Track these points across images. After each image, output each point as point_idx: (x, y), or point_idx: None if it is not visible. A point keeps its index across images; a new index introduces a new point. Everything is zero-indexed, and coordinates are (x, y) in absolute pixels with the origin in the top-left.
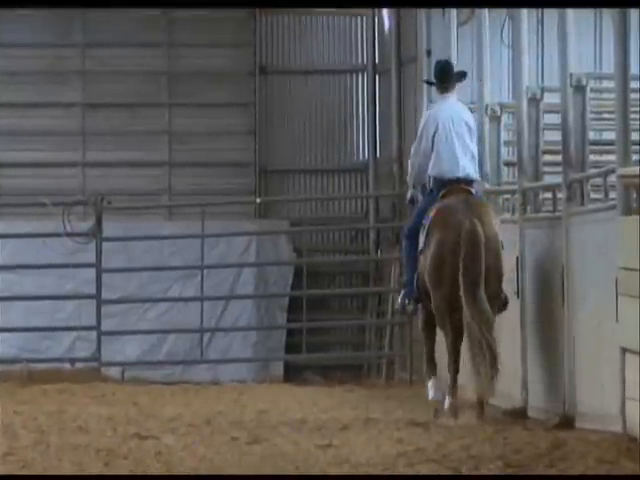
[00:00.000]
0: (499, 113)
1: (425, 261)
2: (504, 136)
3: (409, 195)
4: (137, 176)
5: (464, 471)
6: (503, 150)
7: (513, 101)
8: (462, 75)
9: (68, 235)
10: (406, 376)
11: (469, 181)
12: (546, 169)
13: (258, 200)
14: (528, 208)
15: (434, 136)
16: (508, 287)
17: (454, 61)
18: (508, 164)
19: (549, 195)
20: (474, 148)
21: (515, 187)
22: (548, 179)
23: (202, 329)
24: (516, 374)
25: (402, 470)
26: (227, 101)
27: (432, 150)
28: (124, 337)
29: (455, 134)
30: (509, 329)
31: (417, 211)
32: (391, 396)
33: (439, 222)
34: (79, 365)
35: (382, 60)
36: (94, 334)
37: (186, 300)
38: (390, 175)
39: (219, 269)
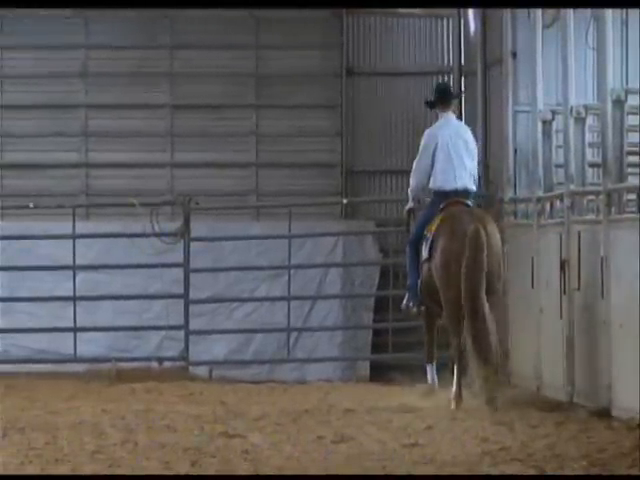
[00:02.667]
0: (584, 115)
1: (431, 269)
2: (589, 138)
3: (407, 207)
4: (224, 177)
5: (548, 470)
6: (588, 152)
7: (598, 103)
8: (457, 96)
9: (156, 235)
10: None
11: (467, 193)
12: (630, 170)
13: (344, 201)
14: (612, 209)
15: (434, 153)
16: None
17: (539, 63)
18: (593, 165)
19: (633, 197)
20: (472, 166)
21: (600, 188)
22: (632, 180)
23: (289, 329)
24: (601, 374)
25: (486, 469)
26: (314, 102)
27: (432, 166)
28: (212, 336)
29: (453, 151)
30: (593, 330)
31: (419, 222)
32: (476, 395)
33: (445, 231)
34: (167, 364)
35: (468, 62)
36: (182, 333)
37: (273, 300)
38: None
39: (306, 269)
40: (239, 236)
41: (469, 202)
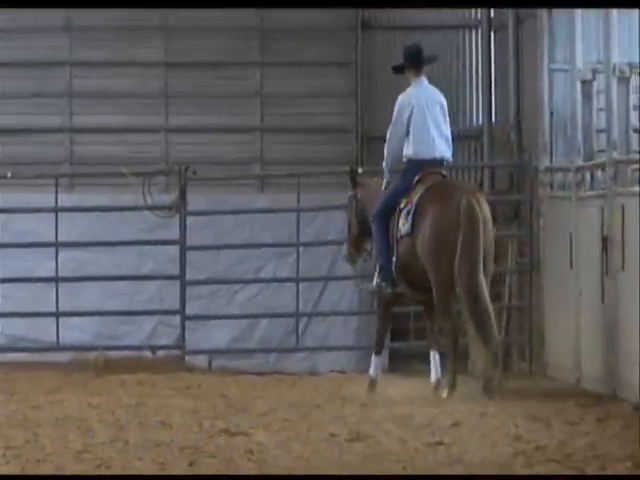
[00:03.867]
0: (628, 74)
1: (414, 245)
2: (633, 100)
3: (386, 182)
4: (225, 143)
5: (588, 472)
6: (632, 115)
7: None
8: (433, 59)
9: (149, 209)
10: (525, 366)
11: (443, 162)
12: None
13: (360, 170)
14: None
15: (409, 119)
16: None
17: (579, 18)
18: (638, 131)
19: None
20: (448, 131)
21: None
22: None
23: (298, 314)
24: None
25: (520, 471)
26: (325, 60)
27: (407, 134)
28: (211, 322)
29: (430, 116)
30: (638, 316)
31: (389, 193)
32: (508, 388)
33: (433, 204)
34: (161, 353)
35: (498, 15)
36: (177, 319)
37: (280, 281)
38: (507, 142)
39: (316, 247)
40: (241, 209)
41: (445, 172)
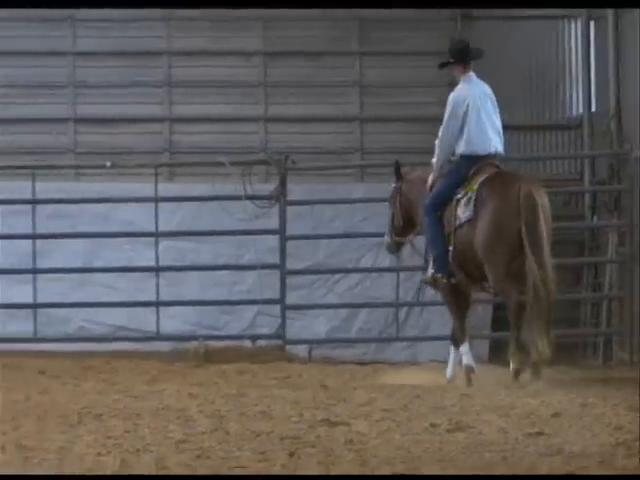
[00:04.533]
0: None
1: (474, 230)
2: None
3: (434, 176)
4: (325, 132)
5: None
6: None
7: None
8: (480, 54)
9: (248, 198)
10: (626, 356)
11: (497, 157)
12: None
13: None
14: None
15: (464, 116)
16: None
17: None
18: None
19: None
20: (499, 124)
21: None
22: None
23: (398, 303)
24: None
25: (621, 462)
26: (425, 49)
27: (461, 130)
28: (311, 312)
29: (484, 112)
30: None
31: (444, 186)
32: (609, 378)
33: (494, 192)
34: (261, 343)
35: None
36: (277, 308)
37: (380, 271)
38: (607, 132)
39: (418, 236)
40: (341, 199)
41: (499, 164)
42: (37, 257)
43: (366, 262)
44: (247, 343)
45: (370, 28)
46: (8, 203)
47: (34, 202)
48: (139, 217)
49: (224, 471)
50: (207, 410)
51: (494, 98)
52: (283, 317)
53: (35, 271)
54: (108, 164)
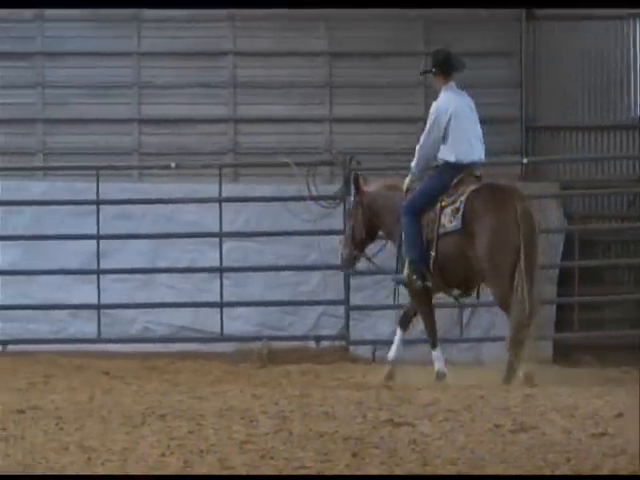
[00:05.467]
0: None
1: (463, 240)
2: None
3: (409, 181)
4: (389, 133)
5: None
6: None
7: None
8: (462, 64)
9: (313, 199)
10: None
11: (478, 165)
12: None
13: (525, 160)
14: None
15: (447, 125)
16: None
17: None
18: None
19: None
20: (480, 132)
21: None
22: None
23: (462, 304)
24: None
25: None
26: (489, 49)
27: (444, 139)
28: (375, 313)
29: (467, 121)
30: None
31: (426, 190)
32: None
33: (489, 204)
34: (325, 344)
35: None
36: (342, 309)
37: None
38: None
39: None
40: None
41: (479, 173)
42: (101, 258)
43: None
44: (311, 344)
45: (435, 28)
46: (73, 204)
47: (98, 203)
48: (203, 218)
49: (288, 471)
50: (271, 411)
51: (474, 107)
52: (347, 318)
53: (99, 272)
54: (173, 165)
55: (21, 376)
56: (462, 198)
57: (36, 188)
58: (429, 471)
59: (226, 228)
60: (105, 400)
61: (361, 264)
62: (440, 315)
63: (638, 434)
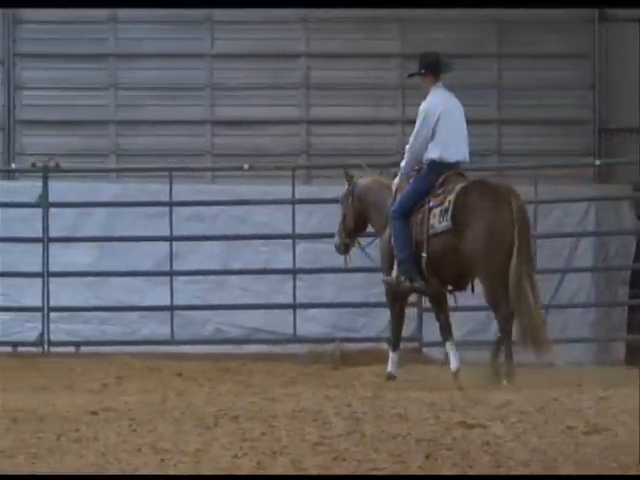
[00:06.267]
0: None
1: (455, 240)
2: None
3: (399, 181)
4: None
5: None
6: None
7: None
8: (451, 67)
9: None
10: None
11: (463, 164)
12: None
13: (597, 162)
14: None
15: (436, 125)
16: None
17: None
18: None
19: None
20: (466, 133)
21: None
22: None
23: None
24: None
25: None
26: (562, 51)
27: (433, 138)
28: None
29: (455, 121)
30: None
31: (413, 192)
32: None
33: (481, 202)
34: None
35: None
36: (414, 311)
37: None
38: None
39: (554, 239)
40: None
41: (463, 172)
42: (174, 259)
43: None
44: (384, 345)
45: (508, 30)
46: (146, 205)
47: (171, 204)
48: (276, 219)
49: (360, 473)
50: (343, 412)
51: (462, 108)
52: (420, 320)
53: (172, 273)
54: (246, 166)
55: (94, 377)
56: (450, 198)
57: (109, 190)
58: (502, 473)
59: (299, 229)
60: (178, 402)
61: None
62: None
63: None
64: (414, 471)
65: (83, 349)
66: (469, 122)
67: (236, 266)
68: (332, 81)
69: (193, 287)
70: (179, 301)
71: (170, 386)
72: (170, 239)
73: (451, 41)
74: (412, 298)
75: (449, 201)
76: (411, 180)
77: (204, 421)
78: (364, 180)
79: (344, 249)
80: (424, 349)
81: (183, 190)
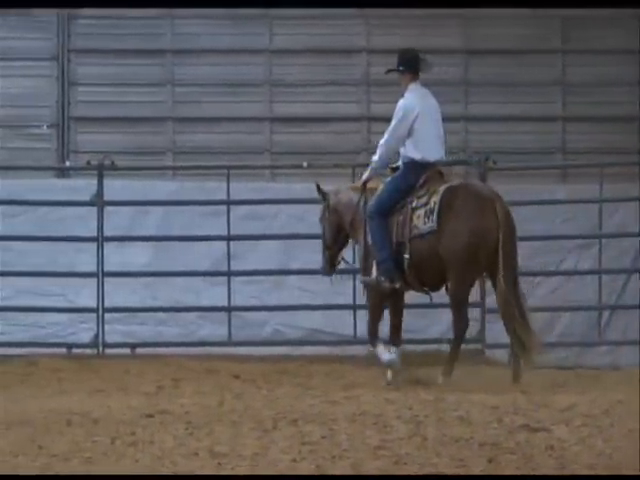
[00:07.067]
0: None
1: (439, 242)
2: None
3: (366, 177)
4: (525, 132)
5: None
6: None
7: None
8: (429, 66)
9: None
10: None
11: (440, 163)
12: None
13: None
14: None
15: (413, 123)
16: None
17: None
18: None
19: None
20: (442, 132)
21: None
22: None
23: (600, 306)
24: None
25: None
26: (626, 47)
27: (408, 137)
28: None
29: (432, 120)
30: None
31: (392, 191)
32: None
33: (466, 204)
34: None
35: None
36: (477, 311)
37: (582, 274)
38: None
39: (620, 238)
40: (542, 200)
41: (442, 171)
42: (232, 259)
43: (567, 265)
44: (445, 347)
45: (572, 26)
46: (203, 204)
47: (229, 203)
48: None
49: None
50: (404, 415)
51: (438, 106)
52: (483, 320)
53: (230, 273)
54: (305, 164)
55: (150, 380)
56: (435, 199)
57: (165, 188)
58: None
59: None
60: (235, 404)
61: None
62: (577, 318)
63: None
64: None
65: (139, 351)
66: (535, 119)
67: (295, 266)
68: (393, 77)
69: (251, 287)
70: (237, 302)
71: (227, 388)
72: (227, 238)
73: (514, 37)
74: (475, 298)
75: (434, 202)
76: (388, 179)
77: (262, 424)
78: (334, 190)
79: (329, 269)
80: (487, 351)
81: (240, 188)
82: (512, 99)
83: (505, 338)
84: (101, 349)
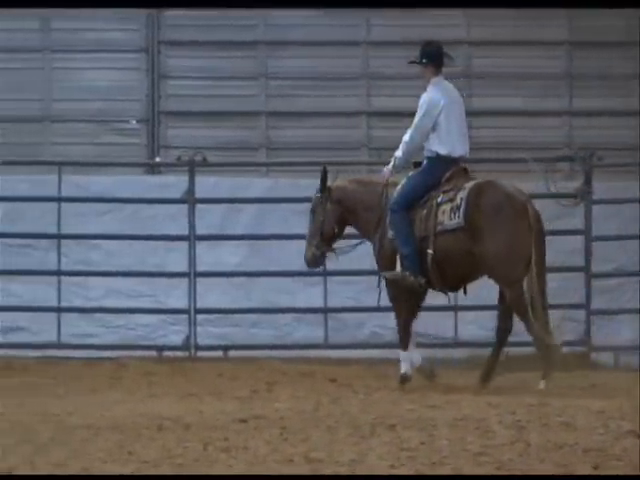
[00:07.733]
0: None
1: (466, 237)
2: None
3: (388, 173)
4: (631, 127)
5: None
6: None
7: None
8: (452, 59)
9: (552, 197)
10: None
11: (464, 159)
12: None
13: None
14: None
15: (438, 118)
16: None
17: None
18: None
19: None
20: (466, 126)
21: None
22: None
23: None
24: None
25: None
26: None
27: (432, 131)
28: (618, 317)
29: (457, 115)
30: None
31: (417, 185)
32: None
33: (499, 204)
34: (565, 350)
35: None
36: (582, 313)
37: None
38: None
39: None
40: None
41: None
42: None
43: None
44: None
45: None
46: (297, 202)
47: None
48: None
49: None
50: (507, 421)
51: (462, 101)
52: (588, 322)
53: (326, 274)
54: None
55: (243, 383)
56: (462, 195)
57: (259, 185)
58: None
59: None
60: (332, 409)
61: (606, 265)
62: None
63: None
64: None
65: (232, 353)
66: (637, 114)
67: None
68: (494, 70)
69: (347, 288)
70: (333, 303)
71: (323, 392)
72: None
73: (620, 28)
74: (577, 299)
75: (461, 198)
76: (411, 173)
77: (359, 430)
78: (339, 183)
79: (318, 259)
80: (592, 354)
81: None
82: (616, 93)
83: (611, 340)
84: (193, 352)
